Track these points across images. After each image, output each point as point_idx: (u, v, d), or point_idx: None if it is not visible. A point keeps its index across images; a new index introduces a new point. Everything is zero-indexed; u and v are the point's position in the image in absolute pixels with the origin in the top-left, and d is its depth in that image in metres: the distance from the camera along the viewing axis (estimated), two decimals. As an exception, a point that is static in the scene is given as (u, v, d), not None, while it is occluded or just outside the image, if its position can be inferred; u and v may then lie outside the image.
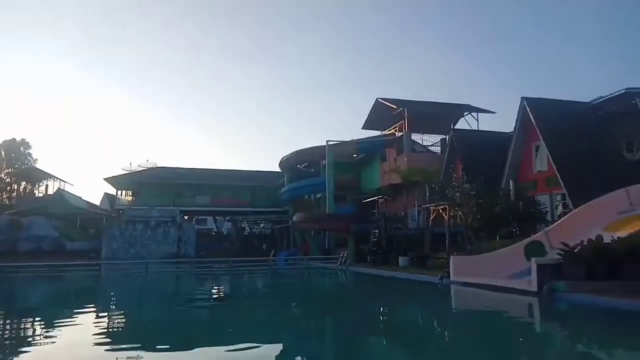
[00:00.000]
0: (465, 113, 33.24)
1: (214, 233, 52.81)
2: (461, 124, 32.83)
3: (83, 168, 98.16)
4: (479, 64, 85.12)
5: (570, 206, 18.30)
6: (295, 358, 6.42)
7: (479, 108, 33.01)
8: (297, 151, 36.33)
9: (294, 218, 33.44)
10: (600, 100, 22.10)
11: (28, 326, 9.19)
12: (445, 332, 8.55)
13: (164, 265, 30.13)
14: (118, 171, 48.11)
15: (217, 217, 54.02)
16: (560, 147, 20.42)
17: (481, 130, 30.35)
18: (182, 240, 38.92)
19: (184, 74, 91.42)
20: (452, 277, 14.80)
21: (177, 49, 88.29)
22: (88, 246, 38.06)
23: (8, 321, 9.94)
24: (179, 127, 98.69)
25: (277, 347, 7.00)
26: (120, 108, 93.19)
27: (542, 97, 22.85)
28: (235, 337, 7.50)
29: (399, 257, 22.91)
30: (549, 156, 20.68)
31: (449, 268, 15.38)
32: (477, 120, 32.46)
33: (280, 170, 39.97)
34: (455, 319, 10.10)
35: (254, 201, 46.29)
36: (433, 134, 34.09)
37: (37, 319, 10.07)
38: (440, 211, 21.33)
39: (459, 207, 20.27)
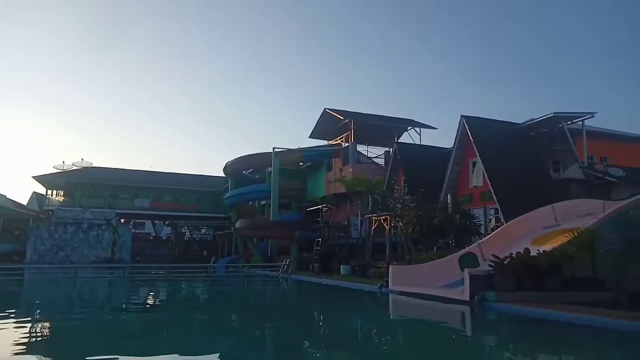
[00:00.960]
0: (409, 127, 34.36)
1: (152, 238, 50.85)
2: (405, 138, 33.89)
3: (9, 165, 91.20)
4: (424, 79, 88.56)
5: (502, 220, 19.33)
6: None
7: (422, 123, 34.25)
8: (243, 157, 35.87)
9: (237, 224, 32.89)
10: (532, 122, 23.65)
11: None
12: (380, 340, 8.69)
13: (96, 270, 28.54)
14: (49, 169, 45.19)
15: (156, 222, 52.04)
16: (495, 164, 21.59)
17: (423, 145, 31.47)
18: (117, 244, 37.16)
19: (127, 72, 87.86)
20: (390, 286, 15.12)
21: (121, 42, 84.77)
22: (11, 249, 35.38)
23: None
24: (119, 128, 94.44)
25: (212, 358, 6.79)
26: (51, 104, 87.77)
27: (480, 116, 24.12)
28: (167, 347, 7.19)
29: (341, 266, 23.12)
30: (484, 172, 21.78)
31: (388, 277, 15.72)
32: (420, 135, 33.66)
33: (224, 176, 39.22)
34: (391, 327, 10.31)
35: (197, 206, 45.09)
36: (378, 146, 34.93)
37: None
38: (382, 221, 21.80)
39: (400, 218, 20.83)
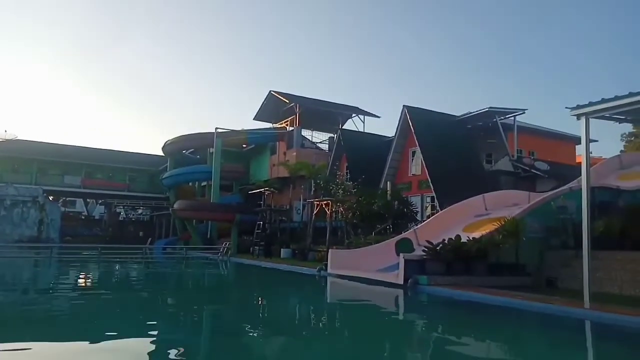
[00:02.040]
0: (353, 115, 34.82)
1: (83, 217, 48.26)
2: (349, 125, 34.33)
3: None
4: (368, 68, 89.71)
5: (438, 208, 20.23)
6: (163, 351, 6.12)
7: (366, 111, 34.83)
8: (184, 136, 34.81)
9: (175, 205, 32.00)
10: (469, 115, 24.77)
11: None
12: (317, 322, 8.88)
13: (19, 250, 26.72)
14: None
15: (88, 200, 49.39)
16: (433, 154, 22.46)
17: (366, 133, 32.07)
18: (45, 222, 34.95)
19: (64, 43, 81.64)
20: (329, 270, 15.42)
21: (57, 20, 78.45)
22: None
23: None
24: (52, 100, 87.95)
25: (143, 341, 6.62)
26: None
27: (421, 107, 24.92)
28: (94, 331, 6.91)
29: (282, 249, 23.22)
30: (423, 161, 22.61)
31: (327, 261, 16.01)
32: (364, 122, 34.24)
33: (162, 154, 37.83)
34: (327, 309, 10.55)
35: (132, 185, 43.28)
36: (322, 131, 35.14)
37: None
38: (324, 206, 22.09)
39: (341, 203, 21.19)
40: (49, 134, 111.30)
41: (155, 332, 7.17)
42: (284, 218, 29.74)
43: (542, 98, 76.12)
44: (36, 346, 5.74)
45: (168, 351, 5.84)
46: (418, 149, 23.05)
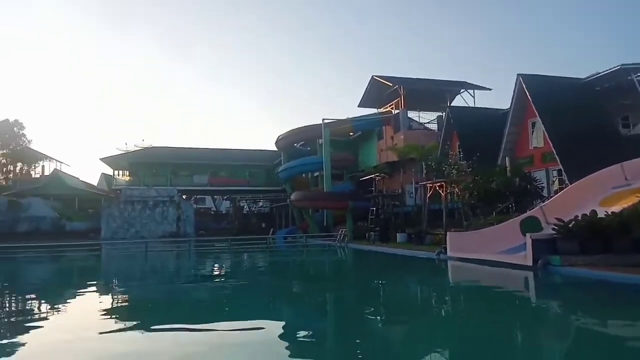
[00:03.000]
0: (462, 90, 33.20)
1: (212, 212, 53.08)
2: (457, 101, 32.84)
3: (79, 148, 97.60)
4: (475, 40, 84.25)
5: (566, 181, 18.54)
6: (299, 333, 6.63)
7: (475, 85, 32.97)
8: (293, 130, 36.28)
9: (292, 197, 33.65)
10: (596, 76, 22.12)
11: (35, 305, 9.41)
12: (445, 306, 8.81)
13: (164, 244, 30.39)
14: (114, 151, 47.97)
15: (215, 196, 54.18)
16: (557, 123, 20.53)
17: (477, 107, 30.38)
18: (181, 219, 39.17)
19: (180, 53, 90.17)
20: (449, 253, 15.09)
21: (174, 25, 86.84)
22: (87, 226, 38.27)
23: (18, 301, 10.16)
24: (176, 108, 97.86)
25: (281, 324, 7.23)
26: (115, 87, 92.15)
27: (538, 73, 22.86)
28: (239, 315, 7.71)
29: (397, 234, 23.22)
30: (545, 132, 20.81)
31: (446, 244, 15.68)
32: (474, 97, 32.47)
33: (276, 149, 39.98)
34: (453, 293, 10.37)
35: (252, 180, 46.43)
36: (429, 111, 34.11)
37: (42, 298, 10.27)
38: (437, 188, 21.54)
39: (456, 183, 20.47)
40: (178, 139, 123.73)
41: (292, 316, 7.77)
42: (397, 202, 29.61)
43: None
44: (194, 328, 6.61)
45: (306, 333, 6.32)
46: (538, 119, 21.27)
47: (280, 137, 37.42)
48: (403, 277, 13.65)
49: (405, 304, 8.79)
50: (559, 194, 16.33)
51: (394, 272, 15.15)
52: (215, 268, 18.71)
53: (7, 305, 9.81)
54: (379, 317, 7.61)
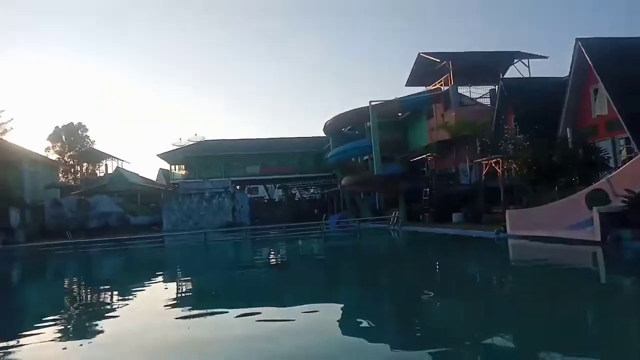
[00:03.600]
0: (515, 60, 31.59)
1: (266, 200, 54.27)
2: (511, 73, 31.31)
3: (137, 146, 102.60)
4: (525, 7, 79.59)
5: (635, 150, 17.32)
6: (361, 316, 6.68)
7: (530, 54, 31.25)
8: (340, 114, 36.13)
9: (342, 182, 33.68)
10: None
11: (112, 293, 10.07)
12: (513, 286, 8.47)
13: (221, 234, 31.46)
14: (169, 147, 50.01)
15: (267, 185, 55.31)
16: (622, 88, 19.11)
17: (533, 78, 28.83)
18: (237, 209, 40.30)
19: (225, 46, 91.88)
20: (509, 231, 14.62)
21: (216, 19, 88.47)
22: (150, 220, 40.31)
23: (96, 290, 10.94)
24: (224, 100, 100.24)
25: (345, 307, 7.31)
26: (167, 87, 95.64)
27: (597, 37, 21.31)
28: (300, 299, 7.87)
29: (452, 214, 22.72)
30: (609, 99, 19.44)
31: (505, 222, 15.18)
32: (528, 67, 30.84)
33: (324, 135, 40.04)
34: (519, 273, 9.99)
35: (302, 167, 46.91)
36: (481, 85, 32.74)
37: (119, 287, 10.98)
38: (493, 165, 20.79)
39: (513, 159, 19.65)
40: (228, 131, 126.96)
41: (356, 300, 7.84)
42: (450, 182, 28.91)
43: None
44: (264, 310, 6.83)
45: (376, 317, 6.36)
46: (601, 85, 19.88)
47: (328, 122, 37.41)
48: (465, 258, 13.31)
49: (473, 285, 8.58)
50: (627, 164, 15.24)
51: (454, 252, 14.83)
52: (274, 255, 19.17)
53: (88, 294, 10.60)
54: (446, 299, 7.46)
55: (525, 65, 30.97)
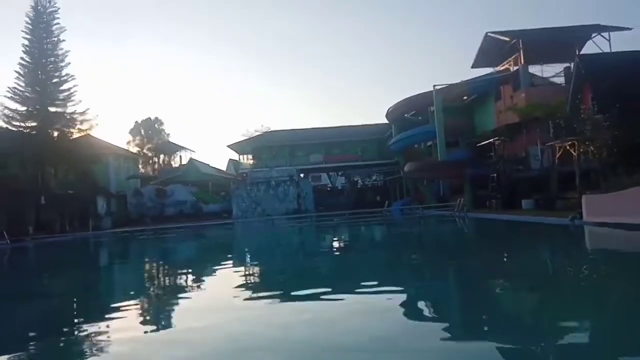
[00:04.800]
0: (593, 35, 29.29)
1: (329, 188, 54.91)
2: (589, 48, 29.12)
3: (208, 138, 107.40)
4: (609, -28, 72.98)
5: None
6: (432, 303, 6.77)
7: (610, 26, 28.85)
8: (403, 100, 35.57)
9: (405, 168, 33.29)
10: None
11: (196, 274, 10.91)
12: (599, 278, 7.81)
13: (288, 220, 32.45)
14: (238, 138, 52.00)
15: (330, 173, 55.90)
16: None
17: (614, 52, 26.64)
18: (301, 196, 41.24)
19: (285, 37, 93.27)
20: (585, 218, 13.87)
21: (275, 11, 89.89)
22: (221, 208, 42.45)
23: (179, 271, 11.89)
24: (289, 90, 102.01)
25: (410, 292, 7.45)
26: (236, 79, 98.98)
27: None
28: (374, 283, 8.05)
29: (522, 201, 21.83)
30: None
31: (580, 209, 14.41)
32: (609, 41, 28.48)
33: (387, 122, 39.66)
34: (603, 263, 9.27)
35: (365, 155, 46.88)
36: (555, 63, 30.74)
37: (204, 267, 11.86)
38: (568, 148, 19.62)
39: (591, 141, 18.44)
40: (293, 121, 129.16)
41: (420, 287, 7.95)
42: (520, 167, 27.62)
43: None
44: (329, 294, 7.15)
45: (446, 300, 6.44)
46: (695, 58, 18.03)
47: (390, 108, 36.99)
48: (540, 246, 12.59)
49: (555, 277, 8.10)
50: None
51: (527, 240, 14.14)
52: (341, 240, 19.52)
53: (169, 275, 11.56)
54: (525, 290, 7.09)
55: (606, 39, 28.65)
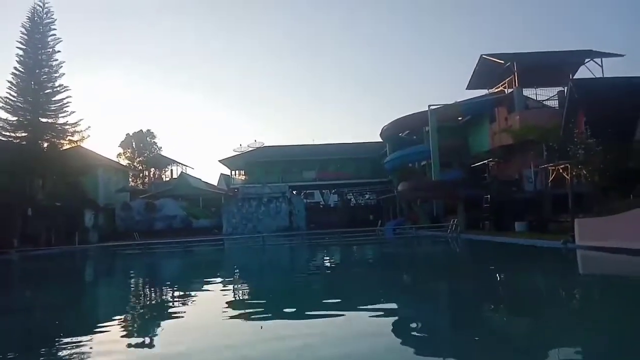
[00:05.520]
0: (587, 60, 29.64)
1: (321, 206, 54.57)
2: (582, 73, 29.41)
3: (200, 152, 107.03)
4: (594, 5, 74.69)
5: None
6: (414, 325, 6.50)
7: (604, 52, 29.20)
8: (398, 119, 35.64)
9: (399, 187, 33.12)
10: None
11: (181, 292, 10.51)
12: (591, 304, 7.62)
13: (278, 238, 32.03)
14: (230, 153, 51.75)
15: (323, 190, 55.67)
16: None
17: (607, 78, 26.89)
18: (293, 214, 40.88)
19: (280, 54, 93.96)
20: (577, 241, 13.66)
21: (272, 25, 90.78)
22: (211, 223, 41.86)
23: (163, 289, 11.47)
24: (282, 107, 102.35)
25: (402, 313, 7.14)
26: (228, 94, 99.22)
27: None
28: (357, 304, 7.77)
29: (515, 223, 21.64)
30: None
31: (572, 232, 14.21)
32: (602, 66, 28.79)
33: (381, 140, 39.64)
34: (593, 288, 9.13)
35: (358, 173, 46.77)
36: (548, 86, 30.99)
37: (189, 286, 11.44)
38: (561, 171, 19.55)
39: (583, 165, 18.38)
40: (286, 137, 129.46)
41: (426, 310, 7.64)
42: (514, 189, 27.54)
43: None
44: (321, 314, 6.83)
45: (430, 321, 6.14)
46: (686, 85, 18.14)
47: (385, 127, 37.02)
48: (532, 269, 12.22)
49: (539, 300, 7.84)
50: None
51: (519, 263, 13.72)
52: (332, 259, 19.11)
53: (156, 292, 11.14)
54: (510, 314, 6.99)
55: (598, 64, 28.97)
